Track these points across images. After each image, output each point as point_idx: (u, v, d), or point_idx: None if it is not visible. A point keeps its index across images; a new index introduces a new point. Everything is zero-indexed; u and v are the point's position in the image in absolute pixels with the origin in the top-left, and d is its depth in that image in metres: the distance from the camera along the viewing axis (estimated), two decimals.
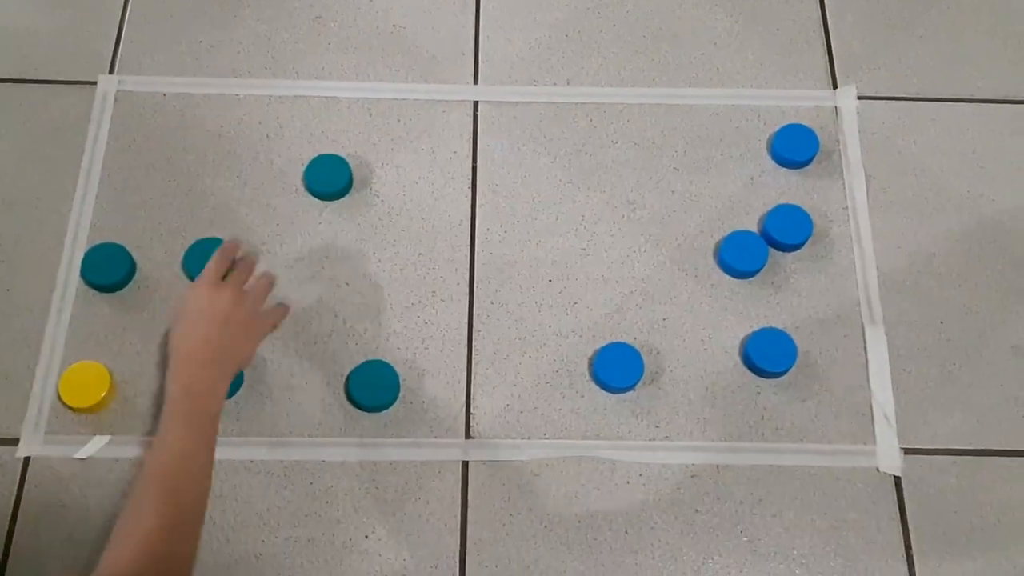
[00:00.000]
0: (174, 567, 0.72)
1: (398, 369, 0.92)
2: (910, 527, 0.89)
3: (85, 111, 1.04)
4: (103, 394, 0.90)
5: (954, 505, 0.90)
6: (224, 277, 0.88)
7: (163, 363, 0.87)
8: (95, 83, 1.06)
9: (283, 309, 0.93)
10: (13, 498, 0.88)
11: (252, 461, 0.90)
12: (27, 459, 0.89)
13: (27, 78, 1.06)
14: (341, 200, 1.02)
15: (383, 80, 1.07)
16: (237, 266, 0.90)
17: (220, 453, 0.88)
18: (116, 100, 1.05)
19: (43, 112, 1.04)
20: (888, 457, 0.91)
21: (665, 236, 1.00)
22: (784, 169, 1.04)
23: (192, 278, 0.95)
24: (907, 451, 0.92)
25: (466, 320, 0.96)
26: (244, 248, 0.94)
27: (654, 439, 0.92)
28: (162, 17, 1.10)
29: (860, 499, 0.90)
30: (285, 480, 0.89)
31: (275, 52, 1.09)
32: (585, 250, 1.00)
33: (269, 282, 0.91)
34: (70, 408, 0.90)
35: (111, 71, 1.07)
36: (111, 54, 1.08)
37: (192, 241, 0.97)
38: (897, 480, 0.91)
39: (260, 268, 0.93)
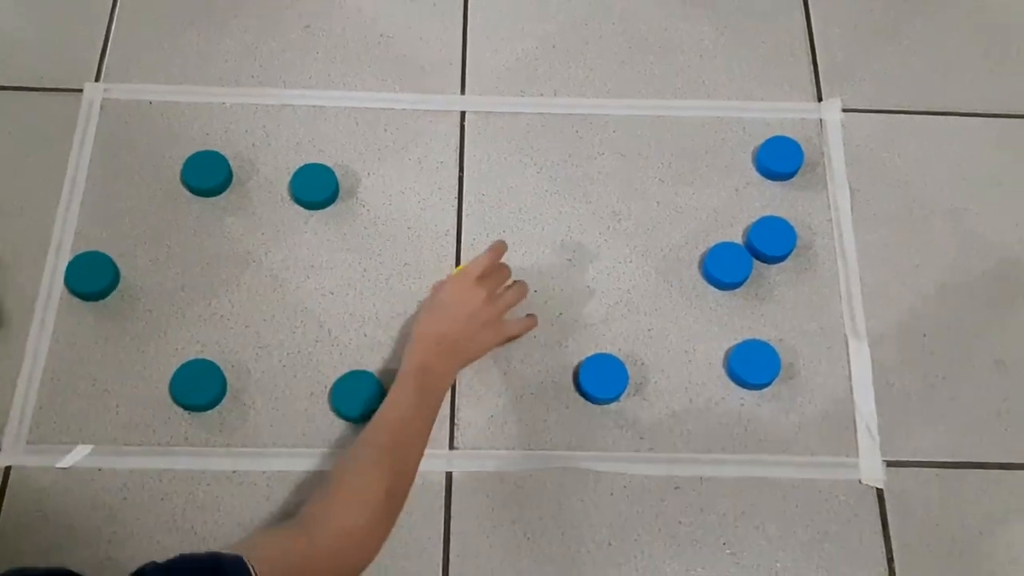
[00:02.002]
0: (389, 527, 0.82)
1: (382, 379, 0.92)
2: (892, 539, 0.89)
3: (71, 119, 1.04)
4: None
5: (936, 517, 0.90)
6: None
7: (403, 340, 0.94)
8: (81, 91, 1.06)
9: (529, 321, 0.95)
10: None
11: (235, 472, 0.89)
12: (8, 468, 0.89)
13: (12, 85, 1.06)
14: (327, 209, 1.01)
15: (370, 90, 1.08)
16: (496, 271, 0.94)
17: (202, 463, 0.89)
18: (102, 108, 1.05)
19: (28, 120, 1.04)
20: (871, 469, 0.91)
21: (650, 247, 1.01)
22: (769, 181, 1.04)
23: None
24: (889, 463, 0.92)
25: None
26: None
27: (638, 450, 0.92)
28: (149, 25, 1.10)
29: (843, 511, 0.90)
30: (268, 491, 0.89)
31: (262, 61, 1.09)
32: (570, 261, 1.00)
33: (522, 292, 0.95)
34: None
35: (97, 79, 1.07)
36: (97, 62, 1.08)
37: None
38: (880, 492, 0.91)
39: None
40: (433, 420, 0.87)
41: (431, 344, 0.88)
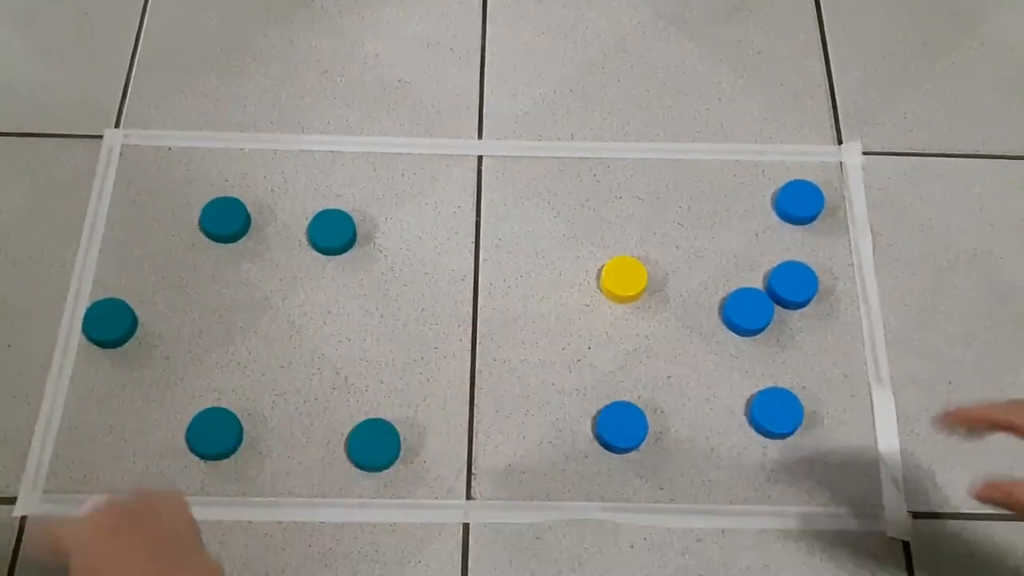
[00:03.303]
0: None
1: (398, 427, 0.91)
2: None
3: (90, 165, 1.05)
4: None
5: (965, 571, 0.88)
6: None
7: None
8: (101, 137, 1.06)
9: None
10: (8, 559, 0.87)
11: (250, 522, 0.89)
12: (24, 518, 0.88)
13: (32, 132, 1.07)
14: (344, 255, 1.01)
15: (388, 134, 1.08)
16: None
17: (218, 513, 0.89)
18: (121, 154, 1.06)
19: (48, 166, 1.05)
20: (897, 521, 0.89)
21: (669, 292, 1.00)
22: (789, 225, 1.03)
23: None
24: (916, 515, 0.90)
25: (468, 377, 0.95)
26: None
27: (659, 501, 0.90)
28: (168, 71, 1.11)
29: (868, 565, 0.88)
30: (283, 542, 0.88)
31: (281, 106, 1.09)
32: (588, 306, 0.99)
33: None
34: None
35: (117, 125, 1.08)
36: (117, 108, 1.09)
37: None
38: (906, 545, 0.89)
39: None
40: None
41: None
